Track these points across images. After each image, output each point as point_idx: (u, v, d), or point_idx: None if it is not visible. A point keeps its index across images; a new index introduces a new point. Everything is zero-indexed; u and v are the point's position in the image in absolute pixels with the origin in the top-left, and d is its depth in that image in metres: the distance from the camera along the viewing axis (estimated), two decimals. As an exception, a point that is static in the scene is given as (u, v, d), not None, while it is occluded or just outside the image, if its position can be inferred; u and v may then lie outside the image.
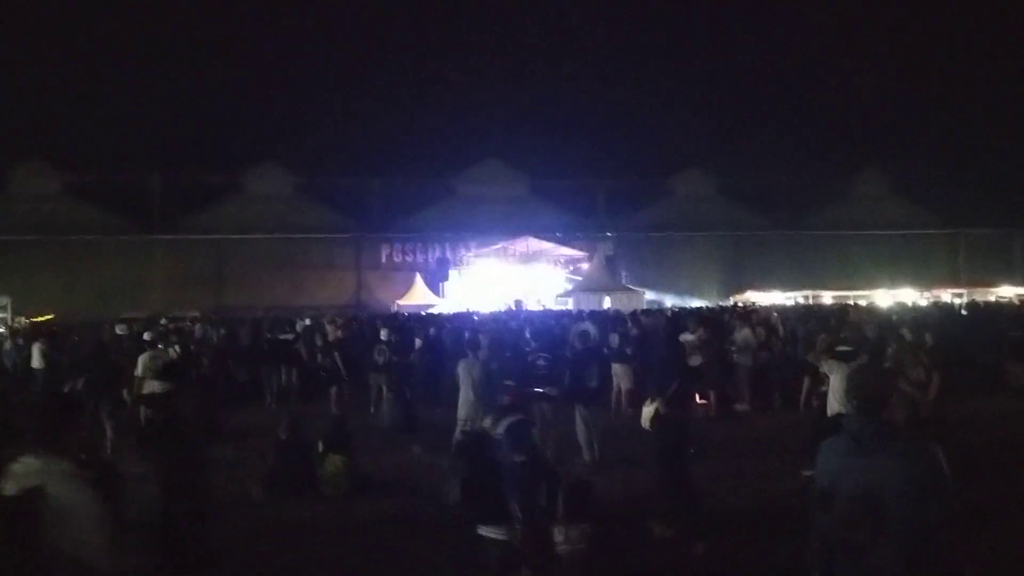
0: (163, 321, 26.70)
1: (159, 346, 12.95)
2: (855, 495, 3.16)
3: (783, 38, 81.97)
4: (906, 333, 9.84)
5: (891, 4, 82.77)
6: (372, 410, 14.34)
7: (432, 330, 17.85)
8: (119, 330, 23.60)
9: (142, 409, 10.16)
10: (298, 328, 20.92)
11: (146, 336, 14.55)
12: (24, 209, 46.41)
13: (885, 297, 37.65)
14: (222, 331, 21.78)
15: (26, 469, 3.21)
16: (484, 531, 5.80)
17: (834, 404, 7.89)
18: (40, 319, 32.81)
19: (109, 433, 11.08)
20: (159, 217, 48.35)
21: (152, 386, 10.76)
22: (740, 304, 34.68)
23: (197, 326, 24.19)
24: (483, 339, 11.09)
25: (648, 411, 7.64)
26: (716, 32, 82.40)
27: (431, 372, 15.06)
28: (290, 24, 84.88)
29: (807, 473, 7.98)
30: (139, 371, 11.72)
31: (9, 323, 29.70)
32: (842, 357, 8.07)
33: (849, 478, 3.20)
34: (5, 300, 30.66)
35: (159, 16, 78.79)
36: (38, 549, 3.04)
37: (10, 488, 3.16)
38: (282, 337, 18.94)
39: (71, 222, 46.14)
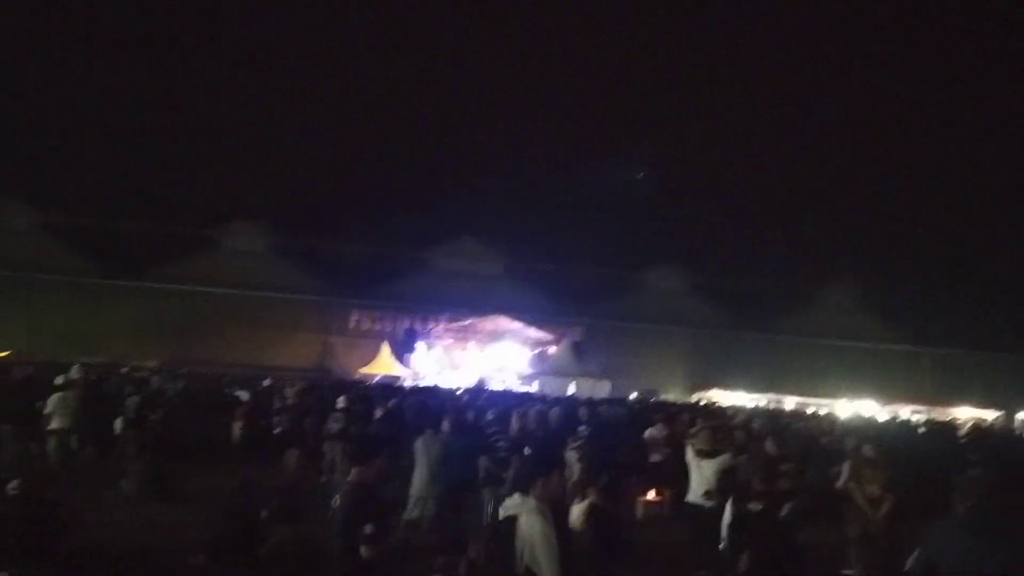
0: (124, 370, 26.23)
1: (69, 390, 14.28)
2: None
3: (766, 141, 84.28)
4: (867, 449, 9.91)
5: (862, 115, 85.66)
6: (323, 479, 14.00)
7: (393, 401, 17.42)
8: (75, 374, 23.11)
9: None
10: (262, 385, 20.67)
11: (58, 380, 15.43)
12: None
13: (846, 407, 37.95)
14: (180, 384, 21.37)
15: (511, 503, 4.90)
16: None
17: (691, 495, 8.85)
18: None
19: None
20: (128, 264, 47.88)
21: (60, 423, 13.26)
22: (703, 402, 34.77)
23: (154, 377, 23.72)
24: (446, 417, 11.00)
25: (580, 508, 7.19)
26: (696, 129, 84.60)
27: (389, 445, 14.69)
28: (272, 85, 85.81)
29: None
30: (48, 409, 13.51)
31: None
32: (701, 455, 8.87)
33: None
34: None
35: (142, 64, 79.37)
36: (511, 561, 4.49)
37: (500, 513, 4.91)
38: (237, 393, 18.70)
39: (38, 261, 45.59)
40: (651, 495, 12.76)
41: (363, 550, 4.94)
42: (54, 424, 13.51)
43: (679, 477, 13.63)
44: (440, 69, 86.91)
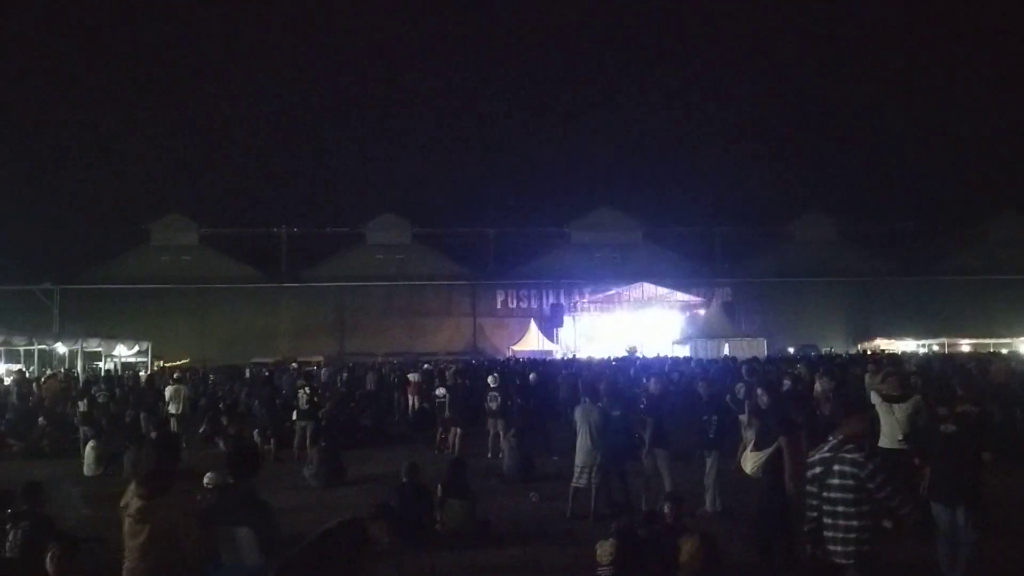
0: (294, 365, 27.85)
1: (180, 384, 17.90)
2: None
3: (911, 78, 79.29)
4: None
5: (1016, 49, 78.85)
6: (489, 455, 14.34)
7: (533, 375, 17.66)
8: (247, 373, 24.84)
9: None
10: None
11: (176, 375, 20.38)
12: (164, 260, 49.52)
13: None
14: (345, 375, 22.43)
15: None
16: None
17: (883, 440, 8.64)
18: (176, 363, 34.65)
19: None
20: (286, 267, 50.61)
21: (174, 408, 16.72)
22: (869, 352, 33.21)
23: (323, 370, 24.99)
24: (601, 386, 11.00)
25: (755, 456, 7.19)
26: (838, 75, 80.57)
27: (534, 417, 14.76)
28: (408, 85, 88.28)
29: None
30: (167, 398, 16.98)
31: (148, 366, 31.48)
32: (889, 399, 8.80)
33: None
34: (146, 345, 32.48)
35: (285, 83, 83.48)
36: None
37: None
38: (408, 377, 19.64)
39: (206, 272, 48.86)
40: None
41: None
42: (171, 409, 16.76)
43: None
44: (556, 46, 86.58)
